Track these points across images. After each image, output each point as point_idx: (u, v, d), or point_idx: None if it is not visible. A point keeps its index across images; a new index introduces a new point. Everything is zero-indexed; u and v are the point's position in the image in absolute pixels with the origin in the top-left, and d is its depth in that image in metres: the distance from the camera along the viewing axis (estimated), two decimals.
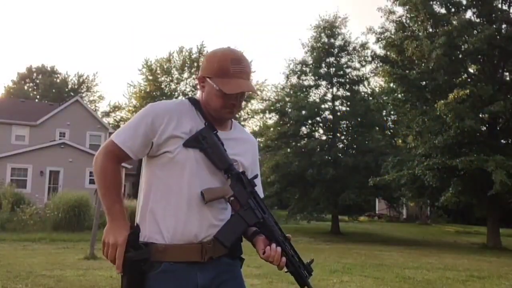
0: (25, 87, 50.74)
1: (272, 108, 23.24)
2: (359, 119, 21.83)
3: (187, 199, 1.54)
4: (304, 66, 22.86)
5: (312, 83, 23.11)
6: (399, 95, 17.93)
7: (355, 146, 22.24)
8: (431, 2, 16.77)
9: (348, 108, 22.49)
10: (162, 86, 43.98)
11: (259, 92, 45.23)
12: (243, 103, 1.70)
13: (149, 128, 1.56)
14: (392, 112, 21.39)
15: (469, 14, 16.81)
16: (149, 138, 1.56)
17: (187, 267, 1.53)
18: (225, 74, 1.56)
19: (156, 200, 1.57)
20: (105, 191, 1.56)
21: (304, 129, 22.76)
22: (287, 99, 22.71)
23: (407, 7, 17.03)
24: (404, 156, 17.84)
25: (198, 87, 1.67)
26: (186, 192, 1.54)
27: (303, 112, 21.47)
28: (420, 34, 17.00)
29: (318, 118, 22.56)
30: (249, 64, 1.64)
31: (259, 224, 1.57)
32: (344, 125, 23.02)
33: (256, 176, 1.64)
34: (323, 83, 23.01)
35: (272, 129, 23.12)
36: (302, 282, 1.58)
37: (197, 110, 1.63)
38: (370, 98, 22.07)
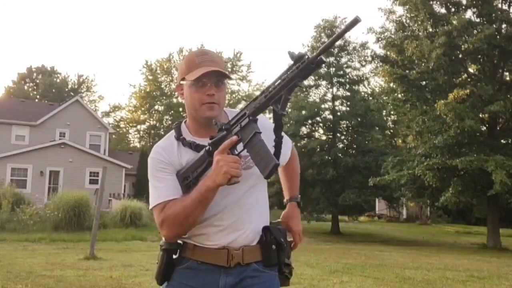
0: (25, 87, 50.74)
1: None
2: (359, 119, 21.84)
3: (208, 210, 1.56)
4: None
5: (312, 83, 23.13)
6: (399, 95, 17.92)
7: (355, 146, 22.25)
8: (431, 2, 16.77)
9: (348, 108, 22.50)
10: (162, 86, 44.02)
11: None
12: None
13: (164, 168, 1.59)
14: (392, 112, 21.38)
15: (469, 14, 16.82)
16: (172, 173, 1.59)
17: (212, 269, 1.57)
18: (192, 67, 1.56)
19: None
20: (192, 209, 1.49)
21: (304, 129, 22.77)
22: None
23: (407, 7, 17.03)
24: (404, 156, 17.83)
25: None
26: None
27: (303, 112, 21.49)
28: (420, 34, 17.00)
29: (318, 118, 22.58)
30: (218, 56, 1.64)
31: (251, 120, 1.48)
32: (344, 125, 23.03)
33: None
34: (323, 83, 23.04)
35: None
36: None
37: (176, 137, 1.63)
38: (370, 98, 22.08)
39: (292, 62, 1.39)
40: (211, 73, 1.54)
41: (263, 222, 1.65)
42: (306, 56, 1.36)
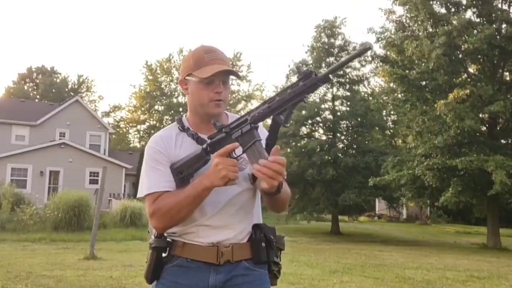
0: (25, 87, 50.74)
1: None
2: (359, 119, 21.84)
3: (199, 209, 1.56)
4: (304, 66, 22.85)
5: None
6: (399, 95, 17.91)
7: (355, 146, 22.24)
8: (431, 2, 16.75)
9: (348, 108, 22.50)
10: (162, 86, 44.05)
11: (259, 94, 45.19)
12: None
13: (160, 158, 1.59)
14: (392, 112, 21.37)
15: (469, 14, 16.80)
16: (166, 164, 1.59)
17: (202, 266, 1.57)
18: (202, 64, 1.57)
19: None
20: (186, 204, 1.50)
21: (304, 129, 22.77)
22: None
23: (407, 7, 17.03)
24: (404, 156, 17.82)
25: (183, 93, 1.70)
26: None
27: (303, 112, 21.48)
28: (420, 34, 16.99)
29: (318, 118, 22.57)
30: (224, 54, 1.65)
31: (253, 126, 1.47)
32: (344, 125, 23.02)
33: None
34: None
35: None
36: None
37: (181, 128, 1.64)
38: (370, 98, 22.08)
39: (298, 76, 1.40)
40: (221, 71, 1.56)
41: (254, 222, 1.65)
42: (313, 74, 1.37)
